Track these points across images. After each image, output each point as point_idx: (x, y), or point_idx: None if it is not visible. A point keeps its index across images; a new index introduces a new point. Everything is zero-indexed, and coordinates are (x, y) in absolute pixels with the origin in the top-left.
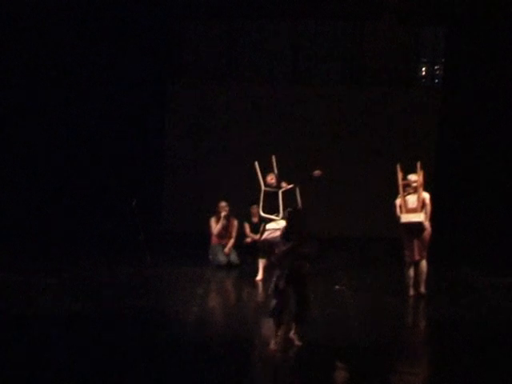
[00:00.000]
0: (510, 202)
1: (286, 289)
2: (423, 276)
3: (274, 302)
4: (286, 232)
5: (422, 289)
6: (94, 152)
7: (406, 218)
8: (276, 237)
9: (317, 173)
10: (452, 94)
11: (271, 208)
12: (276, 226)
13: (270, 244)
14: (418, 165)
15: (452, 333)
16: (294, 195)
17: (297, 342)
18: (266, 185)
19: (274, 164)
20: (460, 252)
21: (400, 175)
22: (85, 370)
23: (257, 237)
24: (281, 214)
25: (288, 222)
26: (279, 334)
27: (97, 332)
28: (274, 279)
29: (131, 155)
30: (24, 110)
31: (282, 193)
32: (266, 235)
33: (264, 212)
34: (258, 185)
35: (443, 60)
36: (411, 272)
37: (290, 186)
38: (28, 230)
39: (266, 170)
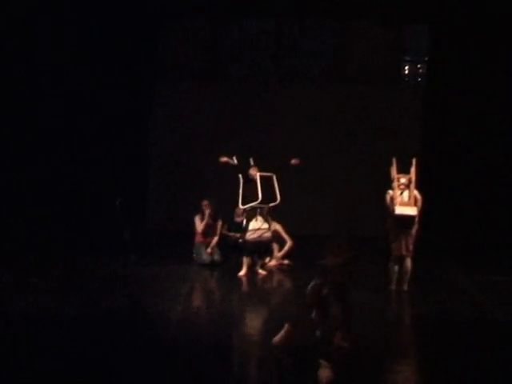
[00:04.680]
0: (495, 199)
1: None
2: (407, 274)
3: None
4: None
5: (405, 287)
6: (79, 151)
7: (400, 210)
8: (259, 236)
9: (295, 161)
10: (435, 93)
11: (250, 197)
12: (257, 225)
13: (254, 245)
14: (414, 161)
15: (436, 331)
16: (272, 184)
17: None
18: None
19: (252, 161)
20: (445, 249)
21: (395, 169)
22: (71, 369)
23: (238, 235)
24: (259, 199)
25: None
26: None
27: (81, 331)
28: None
29: (116, 154)
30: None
31: (261, 181)
32: (248, 236)
33: (244, 203)
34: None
35: (426, 59)
36: (396, 267)
37: (268, 174)
38: (13, 230)
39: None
